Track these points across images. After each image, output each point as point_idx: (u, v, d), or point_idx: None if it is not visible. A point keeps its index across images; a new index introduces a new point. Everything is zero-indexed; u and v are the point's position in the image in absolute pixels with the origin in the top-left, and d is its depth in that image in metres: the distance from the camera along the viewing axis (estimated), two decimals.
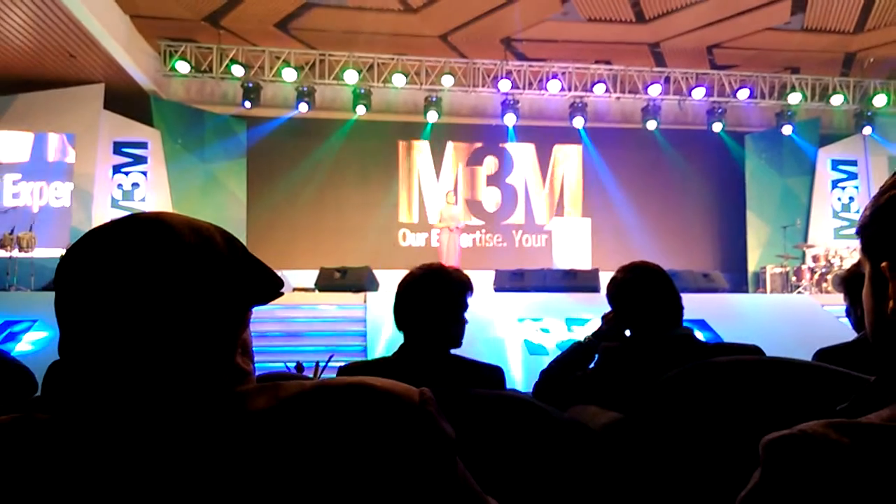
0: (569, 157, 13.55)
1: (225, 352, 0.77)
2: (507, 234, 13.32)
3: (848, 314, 2.71)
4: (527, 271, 9.71)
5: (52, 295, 0.77)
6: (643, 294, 2.26)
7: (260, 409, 0.73)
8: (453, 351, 2.10)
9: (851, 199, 13.39)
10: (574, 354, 2.50)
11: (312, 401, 0.74)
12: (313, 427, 0.72)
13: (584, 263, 10.86)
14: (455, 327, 2.10)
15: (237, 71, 11.73)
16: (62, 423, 0.70)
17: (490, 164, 13.40)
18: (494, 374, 2.13)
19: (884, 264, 0.76)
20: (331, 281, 9.23)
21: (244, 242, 0.84)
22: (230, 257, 0.78)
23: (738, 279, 12.85)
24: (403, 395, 0.77)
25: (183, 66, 11.56)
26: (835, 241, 12.61)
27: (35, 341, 6.90)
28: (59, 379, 0.74)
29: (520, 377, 6.29)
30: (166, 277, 0.73)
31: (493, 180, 13.42)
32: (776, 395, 1.44)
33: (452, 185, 13.16)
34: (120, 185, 11.69)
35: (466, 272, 2.20)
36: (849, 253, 11.30)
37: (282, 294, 0.85)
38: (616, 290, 2.38)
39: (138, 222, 0.77)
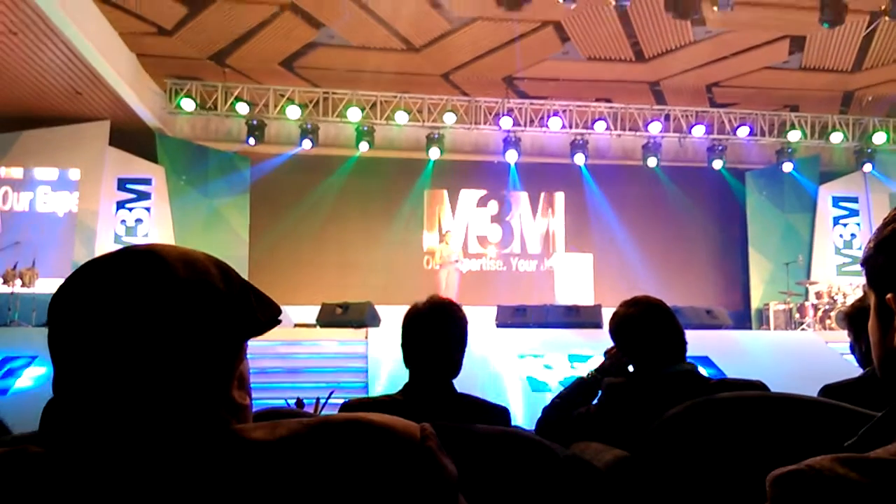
0: (555, 202, 13.92)
1: (221, 385, 0.76)
2: (507, 261, 13.62)
3: (852, 350, 2.70)
4: (529, 307, 9.68)
5: None
6: (646, 329, 2.24)
7: (258, 440, 0.72)
8: (460, 389, 2.08)
9: (853, 235, 13.39)
10: (577, 390, 2.48)
11: (311, 437, 0.73)
12: (312, 463, 0.71)
13: (587, 299, 10.84)
14: (460, 358, 2.09)
15: (242, 108, 11.86)
16: (56, 457, 0.69)
17: (493, 206, 13.76)
18: (501, 415, 2.11)
19: (889, 296, 0.75)
20: (332, 316, 9.20)
21: (246, 278, 0.83)
22: (225, 289, 0.77)
23: (742, 316, 12.80)
24: (404, 431, 0.76)
25: (188, 104, 11.69)
26: (837, 278, 12.56)
27: (35, 377, 6.86)
28: (54, 414, 0.73)
29: (522, 414, 6.23)
30: (159, 311, 0.72)
31: (495, 219, 13.73)
32: (781, 431, 1.42)
33: (462, 225, 13.50)
34: (123, 221, 11.74)
35: (468, 307, 2.20)
36: (852, 289, 11.27)
37: (280, 322, 0.84)
38: (618, 325, 2.36)
39: (131, 255, 0.76)
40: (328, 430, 0.74)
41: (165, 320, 0.72)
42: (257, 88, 12.06)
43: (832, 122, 12.97)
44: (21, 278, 9.54)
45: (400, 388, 2.08)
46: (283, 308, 0.86)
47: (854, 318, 2.62)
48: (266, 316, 0.81)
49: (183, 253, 0.78)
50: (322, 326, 9.20)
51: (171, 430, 0.71)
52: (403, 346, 2.08)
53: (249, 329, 0.79)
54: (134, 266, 0.75)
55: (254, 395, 0.87)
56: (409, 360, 2.08)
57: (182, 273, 0.75)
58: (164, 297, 0.73)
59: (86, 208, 11.13)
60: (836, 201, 13.53)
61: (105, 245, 11.20)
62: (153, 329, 0.72)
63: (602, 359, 2.54)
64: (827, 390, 2.38)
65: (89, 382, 0.72)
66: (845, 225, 13.47)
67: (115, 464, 0.69)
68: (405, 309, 2.17)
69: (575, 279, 13.08)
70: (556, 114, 12.57)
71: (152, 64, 11.15)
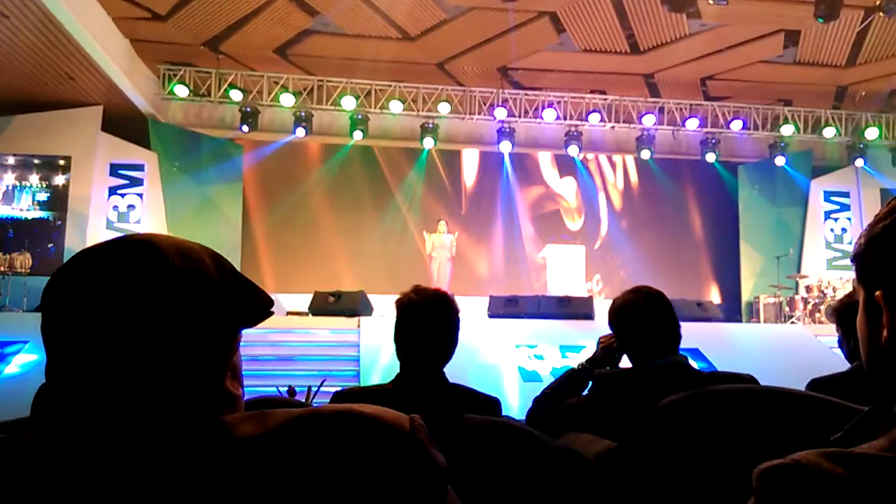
0: (548, 193, 13.90)
1: (214, 376, 0.76)
2: (500, 251, 13.58)
3: (840, 345, 2.72)
4: (521, 298, 9.70)
5: None
6: (645, 316, 2.25)
7: (246, 436, 0.72)
8: (452, 379, 2.09)
9: (844, 230, 13.45)
10: (568, 381, 2.49)
11: (300, 429, 0.73)
12: (301, 456, 0.71)
13: (579, 290, 10.86)
14: (452, 348, 2.09)
15: (235, 95, 11.79)
16: (50, 446, 0.69)
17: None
18: (491, 406, 2.12)
19: (878, 293, 0.76)
20: (324, 305, 9.20)
21: (238, 265, 0.83)
22: (219, 279, 0.77)
23: (732, 308, 12.86)
24: (393, 422, 0.76)
25: (181, 90, 11.62)
26: (828, 272, 12.62)
27: (25, 364, 6.84)
28: (47, 402, 0.73)
29: (514, 404, 6.25)
30: (153, 300, 0.72)
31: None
32: (770, 424, 1.43)
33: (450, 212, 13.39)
34: (115, 207, 11.67)
35: (459, 297, 2.21)
36: (842, 283, 11.33)
37: (272, 314, 0.84)
38: (619, 312, 2.36)
39: (127, 244, 0.76)
40: (317, 422, 0.74)
41: (160, 309, 0.72)
42: (251, 75, 11.99)
43: (825, 116, 13.00)
44: (12, 264, 9.49)
45: (392, 377, 2.09)
46: (275, 296, 0.86)
47: (842, 314, 2.64)
48: (259, 307, 0.81)
49: (178, 242, 0.78)
50: (314, 315, 9.20)
51: (163, 422, 0.71)
52: (395, 336, 2.09)
53: (243, 319, 0.79)
54: (129, 255, 0.74)
55: (246, 382, 0.87)
56: (400, 350, 2.08)
57: (177, 262, 0.75)
58: (160, 287, 0.73)
59: (78, 194, 11.06)
60: (828, 196, 13.58)
61: (97, 231, 11.14)
62: (148, 318, 0.72)
63: (594, 348, 2.55)
64: (815, 384, 2.40)
65: (83, 372, 0.71)
66: (836, 219, 13.53)
67: (106, 456, 0.69)
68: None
69: (567, 270, 13.11)
70: (550, 105, 12.55)
71: (146, 49, 11.05)
